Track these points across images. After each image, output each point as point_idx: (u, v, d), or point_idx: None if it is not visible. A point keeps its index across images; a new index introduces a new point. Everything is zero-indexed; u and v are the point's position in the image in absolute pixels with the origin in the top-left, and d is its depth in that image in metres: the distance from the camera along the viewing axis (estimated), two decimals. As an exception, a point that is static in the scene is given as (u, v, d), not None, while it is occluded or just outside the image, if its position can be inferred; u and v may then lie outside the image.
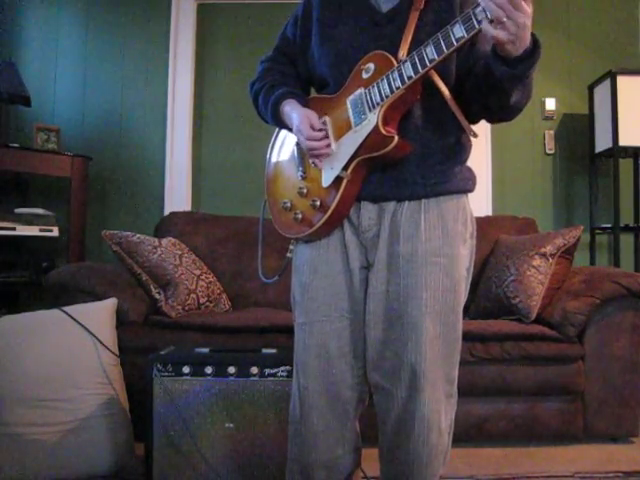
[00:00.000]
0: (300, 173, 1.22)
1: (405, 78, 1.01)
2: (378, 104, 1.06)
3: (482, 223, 2.63)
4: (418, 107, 1.11)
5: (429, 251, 1.10)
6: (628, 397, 2.00)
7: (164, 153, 3.13)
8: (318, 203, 1.15)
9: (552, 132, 3.14)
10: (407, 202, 1.13)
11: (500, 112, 1.08)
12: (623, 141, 2.76)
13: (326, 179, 1.15)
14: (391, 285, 1.12)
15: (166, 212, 2.97)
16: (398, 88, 1.03)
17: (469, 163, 1.22)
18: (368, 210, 1.15)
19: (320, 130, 1.15)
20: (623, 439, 2.04)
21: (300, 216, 1.18)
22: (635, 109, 2.77)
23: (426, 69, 0.99)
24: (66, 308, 1.81)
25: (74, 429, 1.64)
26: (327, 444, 1.19)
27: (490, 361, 1.97)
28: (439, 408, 1.12)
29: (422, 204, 1.13)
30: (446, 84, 1.08)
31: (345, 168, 1.11)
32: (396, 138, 1.05)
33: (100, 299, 1.96)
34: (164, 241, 2.37)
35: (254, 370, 1.60)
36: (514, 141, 3.13)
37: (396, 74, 1.03)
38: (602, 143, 2.91)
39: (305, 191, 1.19)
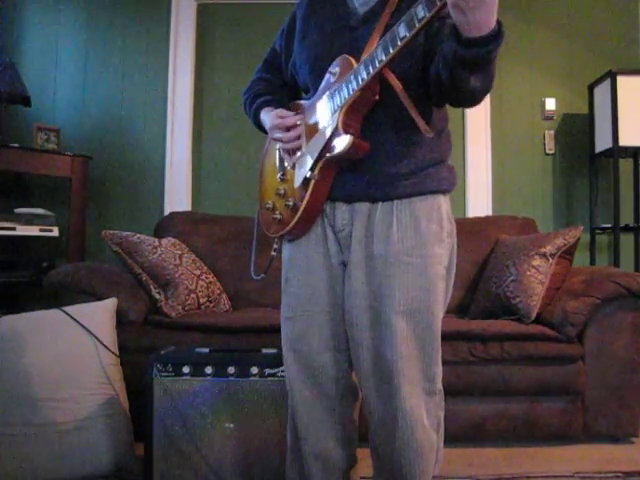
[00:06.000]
0: (280, 175, 1.27)
1: (359, 80, 1.05)
2: (339, 107, 1.10)
3: (482, 223, 2.64)
4: (383, 108, 1.12)
5: (402, 252, 1.12)
6: (628, 397, 2.00)
7: (164, 153, 3.13)
8: (291, 203, 1.20)
9: (552, 132, 3.13)
10: (380, 204, 1.15)
11: (455, 94, 1.03)
12: (623, 141, 2.76)
13: (297, 180, 1.20)
14: (368, 285, 1.15)
15: (166, 212, 2.98)
16: (354, 90, 1.06)
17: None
18: (342, 210, 1.19)
19: (294, 126, 1.20)
20: (623, 439, 2.04)
21: (278, 216, 1.24)
22: (635, 109, 2.76)
23: (376, 70, 1.02)
24: (66, 308, 1.81)
25: (74, 429, 1.64)
26: (317, 436, 1.23)
27: (490, 361, 1.97)
28: (419, 403, 1.13)
29: (394, 205, 1.15)
30: (403, 79, 1.07)
31: (312, 169, 1.15)
32: (349, 138, 1.07)
33: (100, 299, 1.96)
34: (164, 241, 2.37)
35: (254, 370, 1.60)
36: (514, 141, 3.12)
37: (352, 77, 1.07)
38: (602, 143, 2.91)
39: (282, 192, 1.25)
